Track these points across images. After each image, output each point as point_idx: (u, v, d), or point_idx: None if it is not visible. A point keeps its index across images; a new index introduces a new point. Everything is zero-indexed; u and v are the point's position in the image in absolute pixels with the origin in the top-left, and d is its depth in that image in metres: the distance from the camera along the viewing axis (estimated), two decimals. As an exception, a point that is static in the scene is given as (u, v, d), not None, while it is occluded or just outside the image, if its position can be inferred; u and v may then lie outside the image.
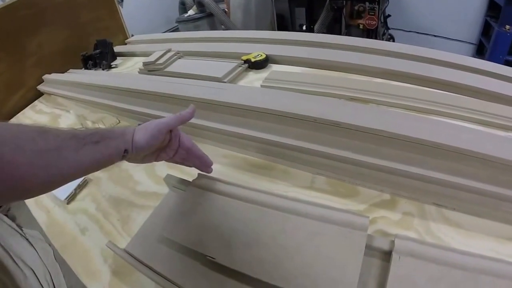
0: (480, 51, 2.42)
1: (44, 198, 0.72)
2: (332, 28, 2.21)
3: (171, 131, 0.49)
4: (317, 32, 2.15)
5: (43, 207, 0.70)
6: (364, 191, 0.54)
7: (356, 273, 0.37)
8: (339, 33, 2.23)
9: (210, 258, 0.42)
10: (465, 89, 0.71)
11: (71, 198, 0.69)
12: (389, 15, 2.34)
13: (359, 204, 0.52)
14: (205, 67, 0.93)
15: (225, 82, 0.85)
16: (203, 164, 0.54)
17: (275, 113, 0.57)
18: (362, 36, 2.08)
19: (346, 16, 2.13)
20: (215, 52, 1.03)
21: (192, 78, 0.88)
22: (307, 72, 0.88)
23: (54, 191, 0.69)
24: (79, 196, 0.69)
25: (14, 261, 1.54)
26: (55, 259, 1.59)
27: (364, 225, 0.42)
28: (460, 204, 0.49)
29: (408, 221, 0.48)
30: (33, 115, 1.15)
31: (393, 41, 2.46)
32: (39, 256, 1.56)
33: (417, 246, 0.40)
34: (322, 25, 2.12)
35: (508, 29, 1.97)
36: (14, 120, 1.16)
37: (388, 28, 2.43)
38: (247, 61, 0.92)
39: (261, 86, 0.81)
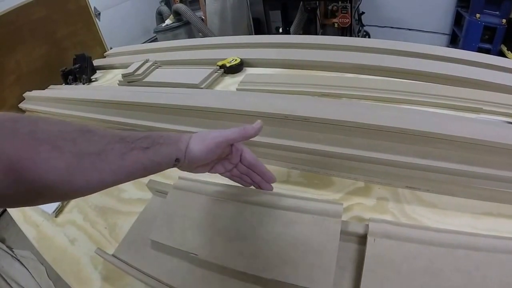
0: (453, 41, 2.49)
1: (32, 213, 0.73)
2: (308, 28, 2.26)
3: (232, 145, 0.46)
4: (293, 34, 2.20)
5: (32, 222, 0.71)
6: (339, 181, 0.57)
7: (333, 257, 0.39)
8: (315, 33, 2.28)
9: (193, 255, 0.44)
10: (434, 77, 0.74)
11: (58, 211, 0.70)
12: (363, 12, 2.41)
13: (335, 193, 0.55)
14: (182, 75, 0.95)
15: (202, 88, 0.87)
16: (265, 180, 0.49)
17: (248, 113, 0.60)
18: (337, 35, 2.13)
19: (321, 16, 2.18)
20: (191, 60, 1.05)
21: (170, 87, 0.90)
22: (281, 73, 0.91)
23: (41, 206, 0.70)
24: (66, 209, 0.70)
25: (8, 283, 1.52)
26: (48, 277, 1.58)
27: (338, 212, 0.43)
28: (433, 185, 0.51)
29: (383, 206, 0.51)
30: (15, 134, 1.14)
31: (369, 37, 2.52)
32: (32, 276, 1.55)
33: (392, 227, 0.42)
34: (298, 27, 2.17)
35: (479, 18, 2.04)
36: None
37: (363, 25, 2.49)
38: (222, 67, 0.95)
39: (237, 89, 0.84)
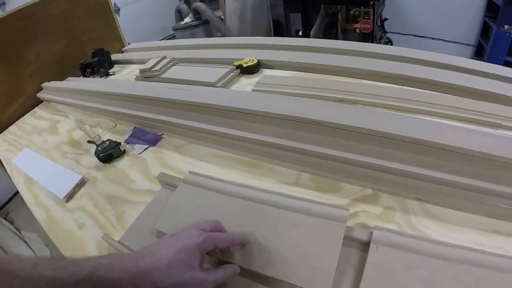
0: (479, 53, 2.42)
1: (44, 197, 0.75)
2: (328, 33, 2.25)
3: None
4: (313, 38, 2.19)
5: (43, 206, 0.73)
6: (347, 187, 0.56)
7: (334, 261, 0.40)
8: (336, 38, 2.26)
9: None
10: (454, 89, 0.72)
11: (70, 196, 0.72)
12: (386, 19, 2.38)
13: (342, 199, 0.54)
14: (199, 73, 0.97)
15: (218, 87, 0.88)
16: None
17: (262, 114, 0.60)
18: (359, 40, 2.11)
19: (342, 21, 2.16)
20: (208, 59, 1.06)
21: (187, 84, 0.91)
22: (298, 76, 0.91)
23: (53, 190, 0.73)
24: (77, 195, 0.72)
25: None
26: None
27: (343, 217, 0.44)
28: (442, 199, 0.50)
29: (390, 215, 0.50)
30: (33, 121, 1.19)
31: (391, 44, 2.49)
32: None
33: (395, 237, 0.42)
34: (318, 30, 2.16)
35: (507, 29, 1.96)
36: (14, 127, 1.20)
37: (385, 32, 2.46)
38: (239, 67, 0.95)
39: (252, 90, 0.85)
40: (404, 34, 2.64)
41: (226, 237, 0.41)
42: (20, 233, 1.77)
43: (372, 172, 0.54)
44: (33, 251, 1.64)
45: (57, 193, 0.73)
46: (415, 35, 2.62)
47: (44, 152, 0.93)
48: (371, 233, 0.43)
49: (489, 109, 0.64)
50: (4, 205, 2.13)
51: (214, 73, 0.93)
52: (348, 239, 0.44)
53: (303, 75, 0.91)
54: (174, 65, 1.08)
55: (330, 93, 0.78)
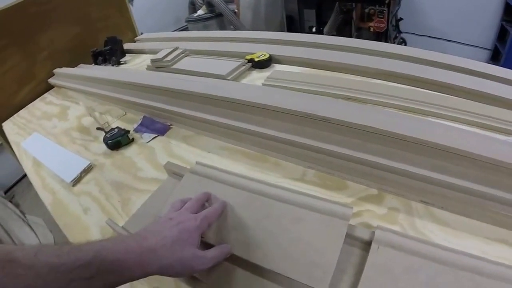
0: (495, 57, 2.37)
1: (51, 180, 0.77)
2: (342, 31, 2.22)
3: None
4: (327, 35, 2.17)
5: (49, 189, 0.75)
6: (352, 185, 0.56)
7: (335, 258, 0.39)
8: (349, 36, 2.24)
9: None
10: (466, 93, 0.71)
11: (76, 181, 0.73)
12: (401, 18, 2.34)
13: (346, 197, 0.54)
14: (210, 65, 0.96)
15: (228, 80, 0.88)
16: None
17: (270, 109, 0.60)
18: (372, 39, 2.08)
19: (356, 19, 2.14)
20: (220, 51, 1.06)
21: (197, 75, 0.92)
22: (308, 72, 0.90)
23: (61, 174, 0.74)
24: (84, 180, 0.73)
25: (16, 245, 1.61)
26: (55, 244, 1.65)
27: (346, 215, 0.43)
28: (448, 203, 0.49)
29: (394, 216, 0.49)
30: (43, 106, 1.20)
31: (405, 45, 2.45)
32: (40, 242, 1.62)
33: (398, 238, 0.41)
34: (332, 28, 2.14)
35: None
36: (24, 112, 1.22)
37: (400, 32, 2.42)
38: (250, 61, 0.95)
39: (263, 84, 0.84)
40: (419, 35, 2.59)
41: (213, 212, 0.45)
42: (25, 216, 1.81)
43: (378, 172, 0.53)
44: (36, 235, 1.67)
45: (64, 177, 0.74)
46: (430, 36, 2.57)
47: (53, 137, 0.95)
48: (373, 232, 0.42)
49: (501, 115, 0.63)
50: (10, 188, 2.17)
51: (225, 66, 0.93)
52: (350, 238, 0.43)
53: (314, 72, 0.90)
54: (186, 56, 1.08)
55: (340, 91, 0.77)
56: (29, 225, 1.72)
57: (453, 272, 0.37)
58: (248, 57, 0.96)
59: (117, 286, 0.32)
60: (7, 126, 1.17)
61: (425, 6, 2.49)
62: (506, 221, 0.45)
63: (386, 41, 2.09)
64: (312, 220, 0.44)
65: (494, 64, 0.83)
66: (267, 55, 0.94)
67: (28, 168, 0.87)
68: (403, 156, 0.51)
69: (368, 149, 0.54)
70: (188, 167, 0.59)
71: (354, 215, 0.49)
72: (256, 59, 0.94)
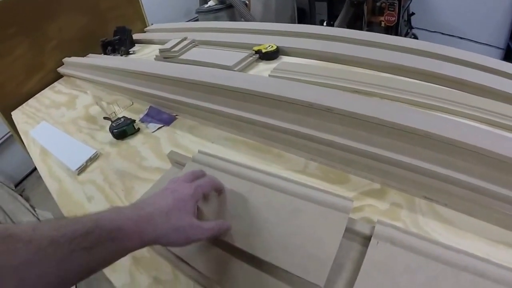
0: (508, 56, 2.29)
1: (57, 169, 0.78)
2: (353, 24, 2.18)
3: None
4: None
5: (56, 177, 0.76)
6: (355, 179, 0.55)
7: (333, 251, 0.39)
8: (360, 30, 2.20)
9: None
10: (478, 88, 0.69)
11: (82, 169, 0.74)
12: (413, 13, 2.29)
13: (348, 191, 0.53)
14: (218, 56, 0.96)
15: (235, 71, 0.88)
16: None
17: (273, 98, 0.59)
18: (383, 33, 2.05)
19: (368, 13, 2.10)
20: (228, 42, 1.05)
21: (205, 66, 0.91)
22: (316, 65, 0.89)
23: (67, 163, 0.75)
24: (89, 168, 0.74)
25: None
26: None
27: (346, 208, 0.42)
28: (452, 200, 0.47)
29: (396, 212, 0.48)
30: (51, 95, 1.22)
31: (416, 41, 2.40)
32: None
33: (399, 234, 0.40)
34: (342, 21, 2.11)
35: (537, 34, 1.87)
36: (33, 101, 1.23)
37: (411, 27, 2.37)
38: (258, 52, 0.94)
39: (269, 76, 0.84)
40: (431, 31, 2.53)
41: (209, 182, 0.45)
42: (35, 210, 1.84)
43: (382, 166, 0.52)
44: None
45: (70, 165, 0.75)
46: (443, 33, 2.51)
47: (60, 125, 0.96)
48: (374, 227, 0.41)
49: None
50: (20, 182, 2.20)
51: (232, 57, 0.93)
52: (349, 232, 0.43)
53: (321, 64, 0.89)
54: (194, 47, 1.08)
55: (348, 83, 0.76)
56: (39, 219, 1.75)
57: (454, 273, 0.36)
58: (256, 48, 0.95)
59: (117, 256, 0.32)
60: (16, 115, 1.18)
61: (437, 2, 2.43)
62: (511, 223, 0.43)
63: (396, 35, 2.04)
64: (312, 212, 0.43)
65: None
66: (275, 47, 0.94)
67: (35, 156, 0.88)
68: (408, 149, 0.49)
69: (373, 141, 0.52)
70: (191, 156, 0.59)
71: (356, 210, 0.49)
72: (264, 51, 0.93)
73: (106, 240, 0.30)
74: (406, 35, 2.27)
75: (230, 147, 0.66)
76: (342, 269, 0.41)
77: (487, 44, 2.40)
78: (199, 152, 0.58)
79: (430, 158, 0.48)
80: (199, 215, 0.44)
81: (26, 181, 2.16)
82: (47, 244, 0.26)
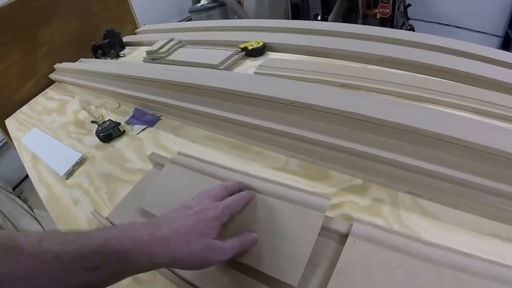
0: (506, 44, 2.25)
1: (46, 174, 0.78)
2: (348, 18, 2.16)
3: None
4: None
5: (45, 182, 0.76)
6: (336, 175, 0.54)
7: (307, 251, 0.38)
8: (356, 23, 2.18)
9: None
10: (469, 78, 0.66)
11: (69, 174, 0.74)
12: (409, 5, 2.26)
13: (329, 187, 0.52)
14: (204, 55, 0.95)
15: (220, 69, 0.87)
16: None
17: (253, 96, 0.58)
18: (378, 26, 2.02)
19: (363, 6, 2.08)
20: (215, 41, 1.05)
21: (191, 66, 0.91)
22: (302, 60, 0.88)
23: (54, 167, 0.75)
24: (76, 173, 0.74)
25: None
26: None
27: (322, 206, 0.42)
28: (437, 194, 0.46)
29: (377, 208, 0.47)
30: (44, 102, 1.22)
31: (413, 31, 2.38)
32: None
33: (377, 232, 0.39)
34: (337, 15, 2.08)
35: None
36: (26, 107, 1.24)
37: (408, 18, 2.35)
38: (244, 49, 0.94)
39: (254, 73, 0.83)
40: (427, 22, 2.50)
41: (238, 201, 0.42)
42: (33, 211, 1.86)
43: (364, 161, 0.50)
44: (44, 229, 1.71)
45: (58, 170, 0.75)
46: (439, 23, 2.48)
47: (50, 131, 0.96)
48: (351, 225, 0.41)
49: (505, 101, 0.58)
50: (19, 184, 2.21)
51: (218, 55, 0.92)
52: (326, 230, 0.42)
53: (308, 59, 0.88)
54: (181, 47, 1.07)
55: (335, 77, 0.75)
56: (37, 219, 1.77)
57: (436, 270, 0.35)
58: (242, 45, 0.94)
59: (123, 277, 0.30)
60: (9, 122, 1.19)
61: (433, -9, 2.41)
62: (499, 214, 0.42)
63: (392, 27, 2.02)
64: (287, 211, 0.42)
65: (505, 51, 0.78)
66: (261, 43, 0.93)
67: (27, 162, 0.89)
68: (391, 144, 0.48)
69: (354, 137, 0.51)
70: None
71: (336, 207, 0.48)
72: (250, 47, 0.92)
73: (111, 262, 0.29)
74: (402, 27, 2.24)
75: (211, 146, 0.66)
76: (318, 267, 0.40)
77: (484, 33, 2.36)
78: (178, 153, 0.57)
79: (414, 153, 0.46)
80: (231, 225, 0.42)
81: (24, 183, 2.18)
82: (49, 259, 0.26)
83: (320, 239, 0.40)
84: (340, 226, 0.42)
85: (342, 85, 0.73)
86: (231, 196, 0.42)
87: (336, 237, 0.42)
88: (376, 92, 0.69)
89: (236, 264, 0.41)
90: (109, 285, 0.29)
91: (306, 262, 0.38)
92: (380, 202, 0.48)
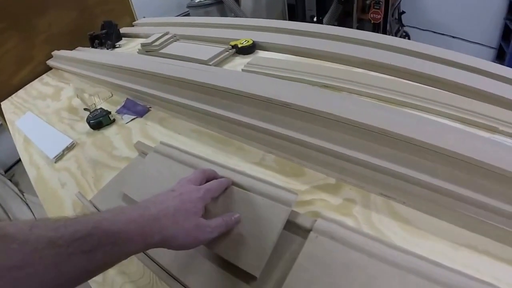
0: (500, 56, 2.28)
1: (37, 157, 0.81)
2: (343, 22, 2.20)
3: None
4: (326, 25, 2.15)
5: (35, 164, 0.79)
6: (310, 173, 0.55)
7: (271, 244, 0.39)
8: (350, 27, 2.20)
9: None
10: (454, 86, 0.66)
11: (59, 158, 0.77)
12: (403, 12, 2.30)
13: (302, 184, 0.53)
14: (195, 50, 0.98)
15: (210, 65, 0.90)
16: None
17: (234, 92, 0.62)
18: (371, 31, 2.06)
19: (358, 10, 2.11)
20: (208, 37, 1.08)
21: (182, 60, 0.94)
22: (289, 60, 0.91)
23: (45, 150, 0.78)
24: (66, 157, 0.77)
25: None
26: None
27: (289, 201, 0.43)
28: (411, 199, 0.46)
29: (348, 208, 0.47)
30: (39, 87, 1.25)
31: (408, 39, 2.41)
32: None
33: (340, 230, 0.40)
34: (331, 18, 2.12)
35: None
36: (22, 92, 1.26)
37: (402, 25, 2.39)
38: (234, 47, 0.97)
39: (242, 70, 0.86)
40: (423, 30, 2.54)
41: (218, 186, 0.44)
42: (23, 195, 1.87)
43: (338, 161, 0.51)
44: (34, 215, 1.73)
45: (48, 153, 0.78)
46: (435, 32, 2.51)
47: (44, 116, 0.99)
48: (315, 221, 0.41)
49: (490, 112, 0.58)
50: (11, 167, 2.23)
51: (209, 51, 0.95)
52: (292, 225, 0.43)
53: (295, 59, 0.91)
54: (175, 41, 1.10)
55: (319, 78, 0.77)
56: (27, 204, 1.79)
57: (398, 274, 0.34)
58: (233, 43, 0.97)
59: (118, 261, 0.30)
60: (5, 105, 1.22)
61: (429, 1, 2.43)
62: (478, 226, 0.41)
63: (384, 33, 2.05)
64: (255, 203, 0.44)
65: (499, 63, 0.78)
66: (251, 41, 0.96)
67: (19, 144, 0.91)
68: (365, 146, 0.49)
69: (329, 136, 0.52)
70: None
71: (306, 204, 0.49)
72: (240, 45, 0.95)
73: (107, 244, 0.28)
74: (397, 33, 2.28)
75: (195, 138, 0.69)
76: (281, 260, 0.41)
77: (479, 44, 2.39)
78: (161, 143, 0.60)
79: (387, 156, 0.47)
80: (205, 213, 0.41)
81: (17, 166, 2.19)
82: (44, 245, 0.25)
83: (286, 233, 0.42)
84: (305, 221, 0.43)
85: (325, 86, 0.76)
86: (211, 181, 0.45)
87: (301, 232, 0.43)
88: (358, 94, 0.71)
89: (206, 253, 0.43)
90: (103, 270, 0.30)
91: (270, 254, 0.39)
92: (352, 202, 0.48)
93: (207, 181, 0.45)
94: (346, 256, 0.37)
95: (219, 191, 0.45)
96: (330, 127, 0.53)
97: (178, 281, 0.43)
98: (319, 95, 0.58)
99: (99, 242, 0.28)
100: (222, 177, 0.48)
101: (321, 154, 0.54)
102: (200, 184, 0.43)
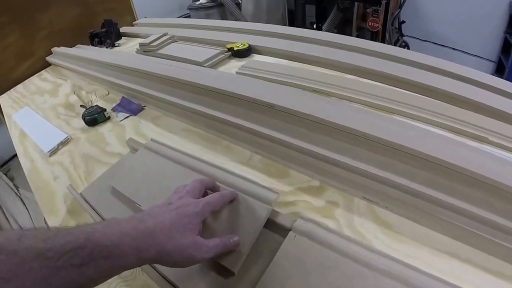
0: (500, 70, 2.28)
1: (31, 150, 0.83)
2: (343, 29, 2.22)
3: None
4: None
5: (29, 157, 0.81)
6: (295, 175, 0.56)
7: (251, 241, 0.40)
8: (350, 35, 2.23)
9: (137, 205, 0.50)
10: (446, 96, 0.67)
11: (53, 152, 0.79)
12: (403, 21, 2.32)
13: (286, 185, 0.54)
14: (192, 52, 1.01)
15: (205, 67, 0.92)
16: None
17: (223, 93, 0.64)
18: (370, 39, 2.08)
19: (358, 18, 2.14)
20: (205, 39, 1.10)
21: (178, 61, 0.95)
22: (283, 64, 0.93)
23: (40, 144, 0.79)
24: (60, 151, 0.79)
25: (6, 218, 1.68)
26: (45, 222, 1.71)
27: (269, 199, 0.44)
28: (393, 203, 0.46)
29: (331, 210, 0.48)
30: (38, 82, 1.27)
31: (408, 49, 2.42)
32: (31, 218, 1.69)
33: (319, 230, 0.41)
34: (331, 25, 2.14)
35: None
36: (20, 86, 1.29)
37: (402, 35, 2.40)
38: (230, 49, 0.99)
39: (236, 72, 0.88)
40: (423, 40, 2.54)
41: (219, 199, 0.42)
42: (18, 190, 1.88)
43: (322, 164, 0.52)
44: (28, 210, 1.74)
45: (43, 147, 0.80)
46: (435, 43, 2.51)
47: (41, 111, 1.01)
48: (295, 221, 0.42)
49: (480, 122, 0.59)
50: (7, 162, 2.23)
51: (205, 53, 0.97)
52: (272, 224, 0.44)
53: (288, 64, 0.93)
54: (173, 42, 1.12)
55: (310, 83, 0.78)
56: (21, 199, 1.80)
57: (373, 277, 0.35)
58: (229, 46, 0.99)
59: (110, 276, 0.29)
60: (3, 99, 1.24)
61: (430, 11, 2.44)
62: (461, 234, 0.41)
63: (382, 41, 2.08)
64: (238, 200, 0.45)
65: (498, 77, 0.78)
66: (247, 45, 0.98)
67: (15, 137, 0.93)
68: (348, 149, 0.50)
69: (313, 139, 0.53)
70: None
71: (289, 204, 0.50)
72: (236, 48, 0.98)
73: (99, 257, 0.27)
74: (396, 43, 2.30)
75: (186, 137, 0.71)
76: (260, 257, 0.42)
77: (479, 57, 2.39)
78: (152, 140, 0.62)
79: (368, 160, 0.48)
80: (203, 230, 0.40)
81: (12, 161, 2.20)
82: (32, 257, 0.24)
83: (267, 232, 0.43)
84: (285, 221, 0.43)
85: (315, 91, 0.77)
86: (213, 194, 0.43)
87: (281, 231, 0.44)
88: (347, 100, 0.73)
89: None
90: (95, 284, 0.28)
91: (248, 251, 0.39)
92: (334, 204, 0.49)
93: (207, 190, 0.44)
94: (322, 255, 0.38)
95: (220, 205, 0.42)
96: (312, 129, 0.54)
97: (156, 271, 0.44)
98: (304, 98, 0.59)
99: (91, 255, 0.26)
100: (224, 188, 0.46)
101: (305, 156, 0.55)
102: (199, 195, 0.41)
